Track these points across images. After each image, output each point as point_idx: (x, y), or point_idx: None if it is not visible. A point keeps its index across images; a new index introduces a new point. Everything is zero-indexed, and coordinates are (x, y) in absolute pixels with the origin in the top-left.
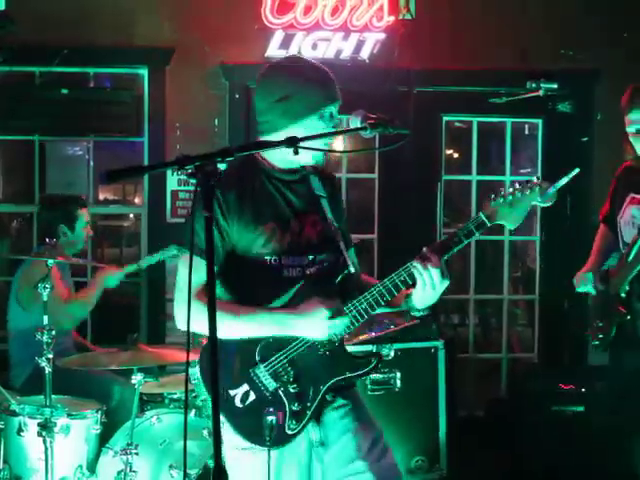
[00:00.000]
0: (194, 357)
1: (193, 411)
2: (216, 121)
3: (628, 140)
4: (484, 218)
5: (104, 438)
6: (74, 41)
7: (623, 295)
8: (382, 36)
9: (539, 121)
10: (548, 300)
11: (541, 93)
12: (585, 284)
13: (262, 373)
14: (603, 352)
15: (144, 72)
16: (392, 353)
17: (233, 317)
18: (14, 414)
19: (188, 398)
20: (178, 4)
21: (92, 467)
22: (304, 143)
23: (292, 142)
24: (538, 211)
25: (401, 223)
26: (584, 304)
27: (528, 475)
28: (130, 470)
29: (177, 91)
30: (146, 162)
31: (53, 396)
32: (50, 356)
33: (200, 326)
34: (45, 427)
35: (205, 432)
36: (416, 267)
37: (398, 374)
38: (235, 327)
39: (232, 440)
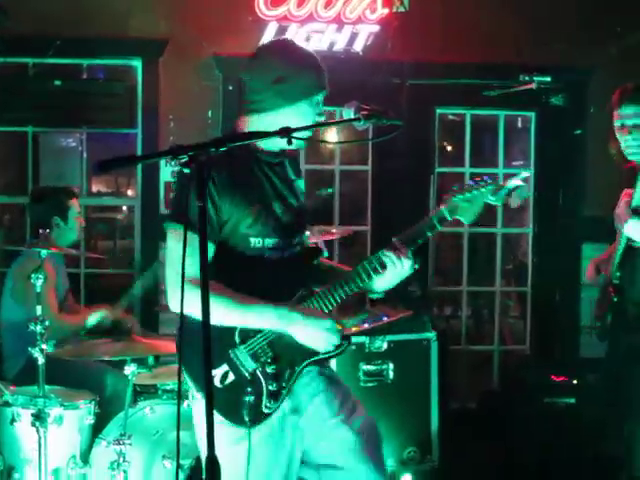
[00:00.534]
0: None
1: (186, 402)
2: (209, 113)
3: (613, 135)
4: (446, 213)
5: (97, 429)
6: (68, 32)
7: (616, 281)
8: (375, 28)
9: (532, 114)
10: (540, 292)
11: (534, 86)
12: (591, 277)
13: (242, 354)
14: (602, 342)
15: (138, 64)
16: (385, 345)
17: (230, 304)
18: (7, 404)
19: (181, 389)
20: None
21: (85, 457)
22: (297, 133)
23: (286, 132)
24: (531, 203)
25: (394, 215)
26: (576, 296)
27: (520, 467)
28: (123, 460)
29: (171, 83)
30: (140, 154)
31: (46, 386)
32: (43, 347)
33: (196, 309)
34: (38, 417)
35: None
36: (389, 257)
37: (391, 366)
38: (231, 315)
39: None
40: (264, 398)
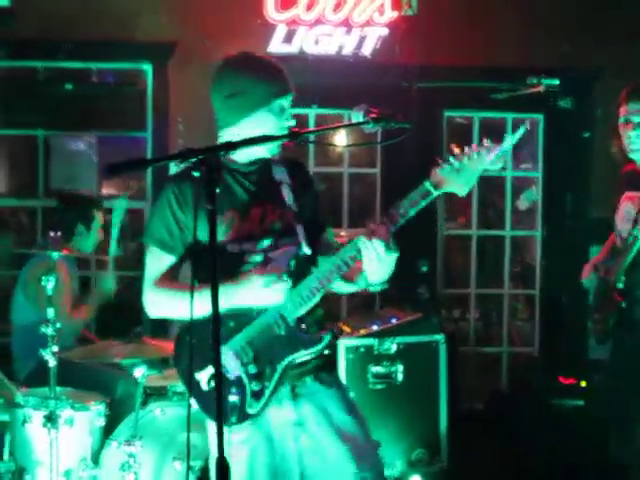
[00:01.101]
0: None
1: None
2: None
3: (616, 133)
4: (429, 187)
5: (108, 430)
6: (77, 36)
7: (620, 286)
8: (384, 32)
9: (540, 117)
10: (548, 295)
11: (542, 89)
12: (589, 280)
13: (225, 354)
14: (600, 345)
15: (147, 67)
16: (394, 347)
17: (184, 293)
18: (19, 406)
19: None
20: None
21: (96, 459)
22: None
23: (294, 135)
24: (539, 206)
25: None
26: (584, 298)
27: (528, 468)
28: (134, 462)
29: (180, 86)
30: (149, 157)
31: (57, 388)
32: (55, 349)
33: (166, 310)
34: (50, 419)
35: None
36: (361, 240)
37: (400, 367)
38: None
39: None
40: (247, 398)
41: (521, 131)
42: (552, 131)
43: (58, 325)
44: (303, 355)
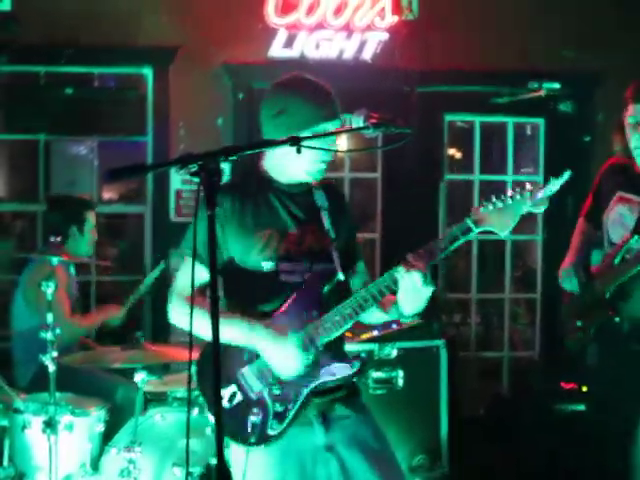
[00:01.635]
0: (197, 356)
1: (196, 409)
2: (220, 120)
3: (620, 131)
4: (470, 224)
5: (108, 436)
6: (78, 41)
7: (608, 296)
8: (385, 36)
9: (541, 121)
10: (549, 299)
11: (543, 93)
12: (570, 280)
13: (248, 374)
14: (574, 351)
15: (148, 72)
16: (394, 352)
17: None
18: (18, 412)
19: (191, 396)
20: (182, 4)
21: (96, 465)
22: (307, 142)
23: (295, 141)
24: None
25: (403, 222)
26: None
27: (529, 473)
28: (134, 468)
29: (181, 91)
30: (150, 161)
31: (57, 394)
32: (54, 354)
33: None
34: (49, 425)
35: (208, 430)
36: (399, 272)
37: (400, 373)
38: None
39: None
40: (270, 419)
41: (565, 176)
42: (553, 135)
43: (58, 331)
44: (330, 381)
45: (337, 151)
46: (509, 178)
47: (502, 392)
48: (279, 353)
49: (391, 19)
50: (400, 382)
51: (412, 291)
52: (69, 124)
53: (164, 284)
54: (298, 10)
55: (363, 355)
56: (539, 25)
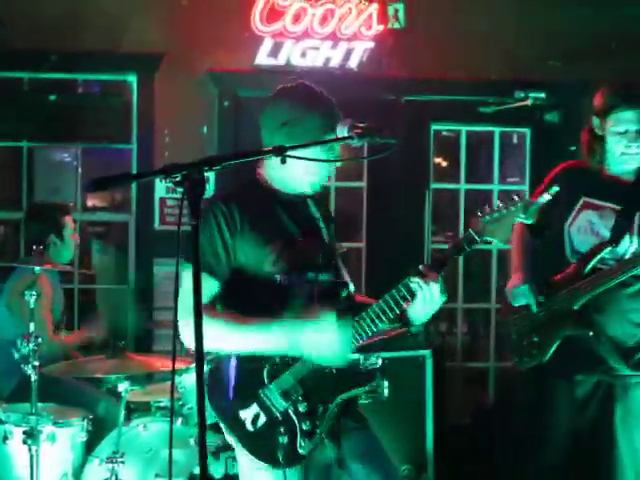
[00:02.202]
0: (180, 365)
1: (179, 419)
2: (205, 128)
3: (588, 144)
4: (474, 234)
5: (90, 446)
6: (63, 47)
7: (576, 308)
8: (371, 45)
9: (527, 130)
10: None
11: (529, 103)
12: (525, 297)
13: (272, 393)
14: (522, 368)
15: (133, 78)
16: (379, 362)
17: (239, 328)
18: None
19: (174, 406)
20: (167, 10)
21: (78, 475)
22: (293, 152)
23: (280, 151)
24: None
25: (389, 231)
26: None
27: None
28: (116, 478)
29: (166, 98)
30: (135, 169)
31: (39, 404)
32: (36, 364)
33: (207, 341)
34: (31, 435)
35: (192, 440)
36: (417, 282)
37: (386, 383)
38: (241, 338)
39: (248, 461)
40: (298, 438)
41: (553, 190)
42: (539, 145)
43: (39, 340)
44: (355, 392)
45: (322, 160)
46: (495, 187)
47: (488, 402)
48: (322, 337)
49: (377, 28)
50: (386, 392)
51: (429, 301)
52: (53, 131)
53: (146, 294)
54: (284, 18)
55: (372, 359)
56: (525, 34)
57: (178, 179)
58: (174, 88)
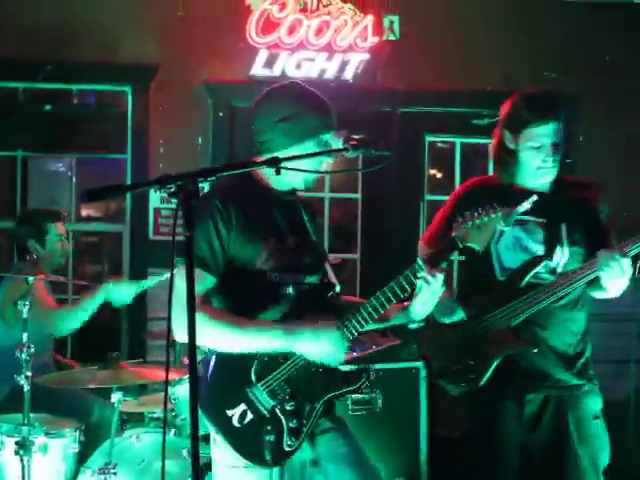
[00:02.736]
0: (174, 376)
1: (172, 430)
2: (199, 139)
3: (499, 158)
4: (457, 240)
5: (82, 457)
6: (58, 57)
7: (514, 324)
8: (366, 56)
9: None
10: None
11: None
12: (452, 316)
13: (259, 392)
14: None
15: (128, 89)
16: (373, 373)
17: (239, 329)
18: None
19: (167, 417)
20: (163, 22)
21: None
22: (286, 163)
23: (274, 162)
24: None
25: (384, 242)
26: None
27: None
28: None
29: (161, 108)
30: (129, 179)
31: (31, 414)
32: (29, 374)
33: (205, 338)
34: (23, 446)
35: (185, 452)
36: (423, 275)
37: (379, 394)
38: (241, 339)
39: (228, 459)
40: (285, 436)
41: (531, 199)
42: None
43: (32, 350)
44: (343, 392)
45: (316, 172)
46: None
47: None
48: (321, 346)
49: (372, 39)
50: (379, 403)
51: (431, 293)
52: (47, 140)
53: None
54: (279, 30)
55: (366, 366)
56: (520, 47)
57: (173, 190)
58: (169, 99)
